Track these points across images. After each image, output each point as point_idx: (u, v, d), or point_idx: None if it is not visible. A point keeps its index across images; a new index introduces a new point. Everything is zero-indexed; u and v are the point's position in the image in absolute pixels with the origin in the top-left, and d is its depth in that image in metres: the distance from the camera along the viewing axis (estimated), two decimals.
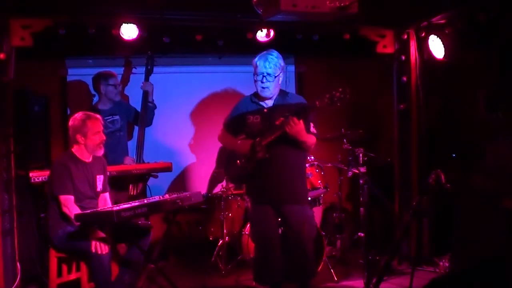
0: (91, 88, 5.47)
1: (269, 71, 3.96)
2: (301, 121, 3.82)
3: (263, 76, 3.97)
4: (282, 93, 4.14)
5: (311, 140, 4.01)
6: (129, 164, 5.10)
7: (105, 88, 5.19)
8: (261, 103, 4.11)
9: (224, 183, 5.70)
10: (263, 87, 4.01)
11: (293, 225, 4.05)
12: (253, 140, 4.02)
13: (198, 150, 6.11)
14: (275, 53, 4.02)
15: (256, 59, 4.02)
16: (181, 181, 5.99)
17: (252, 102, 4.15)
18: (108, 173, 4.37)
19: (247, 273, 4.95)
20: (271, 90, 4.02)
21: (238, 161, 4.11)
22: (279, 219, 4.15)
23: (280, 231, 4.23)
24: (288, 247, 4.09)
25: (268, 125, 4.00)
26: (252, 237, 4.34)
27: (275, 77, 3.99)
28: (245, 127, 4.10)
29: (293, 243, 4.07)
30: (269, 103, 4.11)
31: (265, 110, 4.08)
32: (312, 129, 4.02)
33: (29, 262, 4.61)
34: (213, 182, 6.09)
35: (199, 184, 6.06)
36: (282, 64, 4.04)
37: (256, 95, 4.13)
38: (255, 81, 4.03)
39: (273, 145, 3.95)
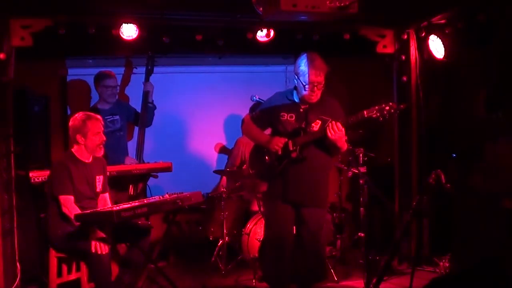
0: (91, 88, 5.48)
1: (320, 79, 3.91)
2: (343, 128, 3.81)
3: (314, 86, 3.91)
4: None
5: (345, 147, 4.01)
6: (130, 164, 5.11)
7: (100, 89, 5.20)
8: (297, 102, 4.06)
9: (224, 183, 5.71)
10: (311, 96, 3.95)
11: (312, 227, 4.03)
12: (285, 138, 3.99)
13: (198, 150, 6.11)
14: (319, 57, 3.94)
15: (303, 66, 3.92)
16: (181, 181, 5.98)
17: (287, 99, 4.09)
18: (108, 174, 4.37)
19: (247, 273, 4.95)
20: (318, 96, 4.00)
21: (266, 157, 4.08)
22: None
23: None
24: (303, 249, 4.07)
25: (303, 125, 3.98)
26: (267, 235, 4.25)
27: (323, 84, 3.96)
28: (278, 124, 4.06)
29: (309, 245, 4.06)
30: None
31: (301, 109, 4.03)
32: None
33: (29, 262, 4.61)
34: (213, 182, 6.08)
35: (199, 184, 6.06)
36: (327, 67, 3.96)
37: (292, 93, 4.08)
38: (303, 88, 3.92)
39: (306, 147, 3.95)
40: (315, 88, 3.92)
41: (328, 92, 4.20)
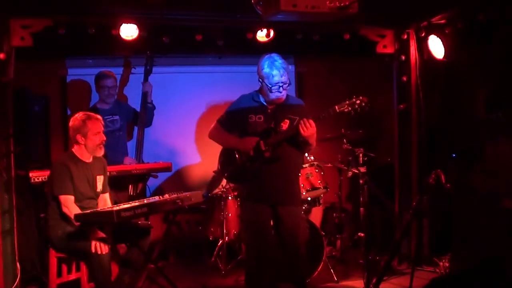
0: (91, 88, 5.48)
1: (284, 79, 3.93)
2: (315, 125, 3.82)
3: (280, 86, 3.93)
4: None
5: (315, 144, 4.02)
6: (129, 164, 5.10)
7: (98, 89, 5.21)
8: (264, 103, 4.07)
9: (224, 183, 5.71)
10: (279, 96, 3.98)
11: (290, 226, 4.03)
12: (257, 138, 3.98)
13: (198, 150, 6.11)
14: (280, 57, 3.96)
15: (267, 69, 3.93)
16: (181, 181, 5.99)
17: (254, 101, 4.10)
18: (108, 173, 4.37)
19: None
20: (284, 96, 4.02)
21: (238, 159, 4.08)
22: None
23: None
24: (284, 248, 4.07)
25: (273, 125, 3.98)
26: (247, 238, 4.24)
27: (289, 83, 3.99)
28: (247, 126, 4.06)
29: (289, 244, 4.06)
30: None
31: (269, 110, 4.05)
32: None
33: (29, 262, 4.61)
34: (213, 182, 6.09)
35: (199, 184, 6.06)
36: (288, 66, 4.00)
37: (258, 94, 4.09)
38: (269, 90, 3.94)
39: (278, 146, 3.95)
40: (281, 88, 3.94)
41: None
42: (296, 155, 4.09)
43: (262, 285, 4.09)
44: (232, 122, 4.16)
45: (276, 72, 3.91)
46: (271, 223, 4.10)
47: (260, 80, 4.01)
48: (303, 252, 4.14)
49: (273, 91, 3.95)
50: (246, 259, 4.40)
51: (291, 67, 6.06)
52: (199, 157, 6.13)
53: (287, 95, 4.12)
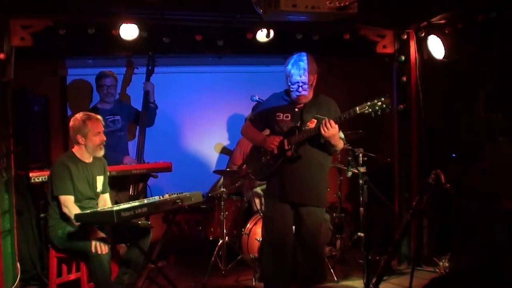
0: (91, 88, 5.48)
1: (304, 79, 3.93)
2: (337, 125, 3.81)
3: (299, 86, 3.94)
4: (314, 93, 4.12)
5: (340, 145, 4.00)
6: (129, 163, 5.11)
7: (97, 88, 5.22)
8: (292, 102, 4.07)
9: (220, 182, 5.71)
10: (298, 96, 3.99)
11: (309, 227, 4.02)
12: (281, 137, 4.01)
13: (199, 150, 6.11)
14: (306, 58, 3.95)
15: (289, 66, 3.95)
16: (181, 181, 5.98)
17: (283, 99, 4.12)
18: (108, 174, 4.37)
19: (247, 273, 4.95)
20: (306, 96, 4.02)
21: (263, 157, 4.10)
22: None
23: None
24: (302, 249, 4.06)
25: (299, 124, 3.99)
26: (266, 235, 4.20)
27: (311, 84, 3.98)
28: (274, 124, 4.09)
29: (307, 245, 4.04)
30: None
31: (297, 109, 4.05)
32: (340, 133, 3.99)
33: (29, 262, 4.62)
34: (213, 182, 6.09)
35: (199, 184, 6.06)
36: (316, 67, 3.99)
37: (288, 93, 4.10)
38: (290, 89, 3.98)
39: (302, 145, 3.96)
40: (301, 88, 3.95)
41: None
42: (321, 156, 4.05)
43: (274, 282, 4.08)
44: (262, 120, 4.20)
45: (296, 71, 3.93)
46: (292, 222, 4.08)
47: (285, 78, 4.04)
48: (322, 254, 4.12)
49: (292, 90, 3.98)
50: (262, 256, 4.40)
51: None
52: (200, 157, 6.13)
53: (318, 94, 4.11)
